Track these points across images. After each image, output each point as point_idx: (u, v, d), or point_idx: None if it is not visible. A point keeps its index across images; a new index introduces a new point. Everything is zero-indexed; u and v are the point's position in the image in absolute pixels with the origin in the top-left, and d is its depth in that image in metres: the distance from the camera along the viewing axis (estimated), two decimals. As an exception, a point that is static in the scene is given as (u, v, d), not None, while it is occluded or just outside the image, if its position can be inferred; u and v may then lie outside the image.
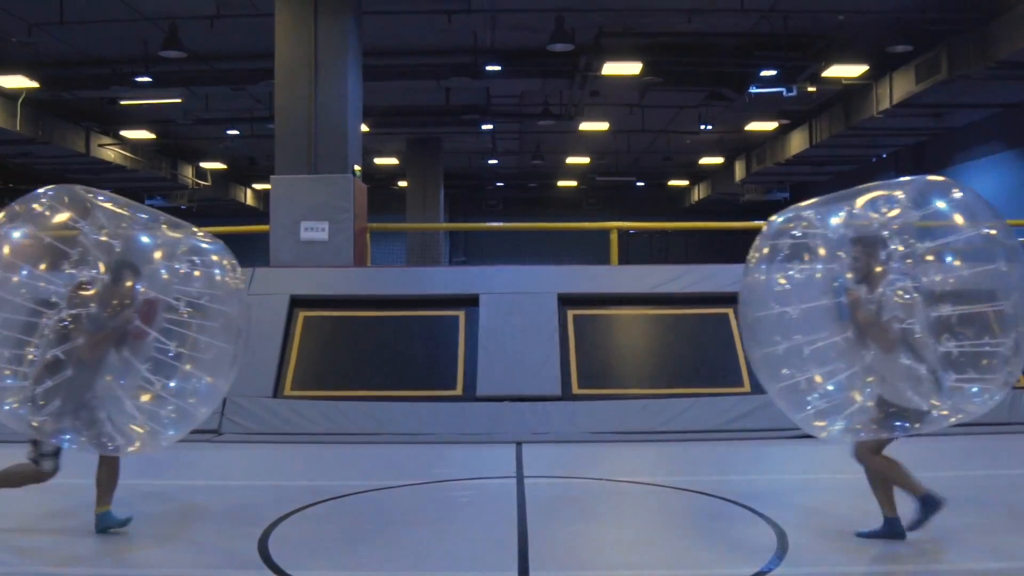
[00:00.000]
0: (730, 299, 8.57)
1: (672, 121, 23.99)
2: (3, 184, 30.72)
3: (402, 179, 29.09)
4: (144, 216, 4.70)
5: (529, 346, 8.51)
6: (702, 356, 8.71)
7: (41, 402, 4.31)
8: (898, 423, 4.35)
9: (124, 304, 4.38)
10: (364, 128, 13.81)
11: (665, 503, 5.54)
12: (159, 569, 4.33)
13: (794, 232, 4.60)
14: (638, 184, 35.43)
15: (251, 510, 5.36)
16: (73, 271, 4.36)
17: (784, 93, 17.98)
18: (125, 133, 24.01)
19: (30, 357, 4.30)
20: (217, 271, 4.77)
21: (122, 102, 19.83)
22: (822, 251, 4.51)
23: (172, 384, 4.50)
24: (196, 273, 4.68)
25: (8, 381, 4.36)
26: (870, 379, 4.38)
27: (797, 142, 25.05)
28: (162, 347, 4.44)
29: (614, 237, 10.68)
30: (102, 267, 4.37)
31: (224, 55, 17.07)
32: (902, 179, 4.64)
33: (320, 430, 7.98)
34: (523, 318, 8.76)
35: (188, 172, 30.20)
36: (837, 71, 17.00)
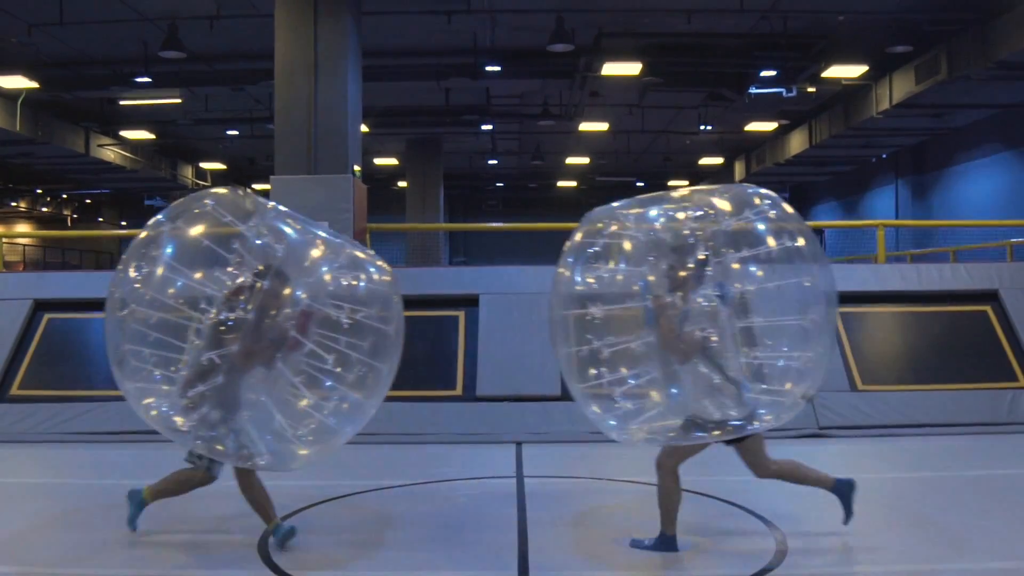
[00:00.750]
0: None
1: (672, 121, 24.00)
2: (3, 184, 30.73)
3: (402, 179, 29.10)
4: (304, 224, 4.55)
5: (529, 346, 8.50)
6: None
7: (189, 406, 4.19)
8: (697, 432, 4.32)
9: (282, 312, 4.26)
10: (364, 128, 13.81)
11: (665, 503, 5.54)
12: (159, 569, 4.33)
13: (605, 232, 4.53)
14: (638, 184, 35.44)
15: (251, 510, 5.36)
16: (231, 275, 4.26)
17: (784, 93, 18.00)
18: (125, 133, 24.02)
19: (181, 364, 4.22)
20: (377, 287, 4.58)
21: (122, 102, 19.85)
22: (632, 254, 4.46)
23: (321, 399, 4.35)
24: (353, 284, 4.51)
25: (157, 383, 4.27)
26: (673, 388, 4.37)
27: (797, 142, 25.06)
28: (315, 361, 4.29)
29: (614, 237, 10.67)
30: (261, 271, 4.24)
31: (224, 55, 17.08)
32: (719, 186, 4.63)
33: (320, 430, 7.97)
34: (523, 318, 8.75)
35: (188, 172, 30.22)
36: (837, 71, 17.00)
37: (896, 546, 4.56)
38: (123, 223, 39.35)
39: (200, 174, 30.90)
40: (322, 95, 11.43)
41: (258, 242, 4.32)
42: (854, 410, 7.81)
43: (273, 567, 4.28)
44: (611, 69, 16.45)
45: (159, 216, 4.48)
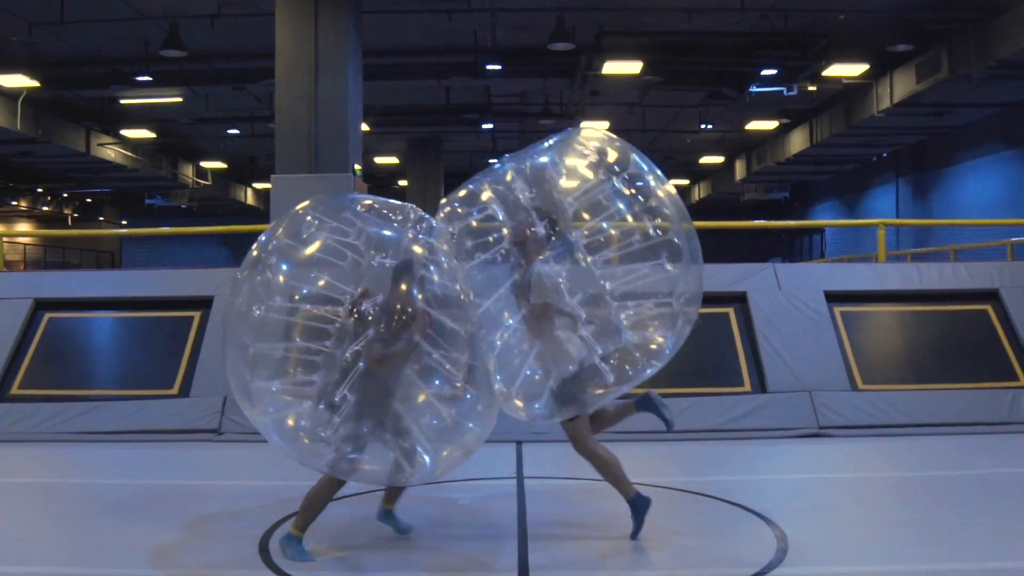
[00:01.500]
0: (731, 298, 8.58)
1: (672, 120, 23.99)
2: (4, 183, 30.74)
3: (402, 178, 29.11)
4: (409, 222, 4.43)
5: (529, 345, 8.50)
6: (702, 355, 8.68)
7: (328, 434, 4.13)
8: (567, 412, 4.49)
9: (405, 318, 4.17)
10: (364, 127, 13.83)
11: (665, 503, 5.53)
12: (159, 569, 4.33)
13: (466, 211, 4.60)
14: (639, 183, 35.43)
15: (251, 510, 5.36)
16: (351, 288, 4.20)
17: (784, 92, 18.01)
18: (125, 132, 24.03)
19: (311, 394, 4.18)
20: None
21: (122, 101, 19.86)
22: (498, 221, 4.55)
23: (446, 401, 4.28)
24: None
25: (288, 407, 4.21)
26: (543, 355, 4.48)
27: (797, 141, 25.05)
28: (441, 364, 4.22)
29: (614, 236, 10.66)
30: (378, 286, 4.18)
31: (225, 54, 17.09)
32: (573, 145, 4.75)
33: (320, 429, 7.96)
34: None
35: (188, 171, 30.20)
36: (837, 70, 17.01)
37: (896, 545, 4.56)
38: (124, 222, 39.37)
39: (201, 173, 30.89)
40: (323, 94, 11.45)
41: (374, 256, 4.24)
42: (854, 409, 7.80)
43: (273, 567, 4.29)
44: (612, 68, 16.45)
45: (261, 238, 4.38)
